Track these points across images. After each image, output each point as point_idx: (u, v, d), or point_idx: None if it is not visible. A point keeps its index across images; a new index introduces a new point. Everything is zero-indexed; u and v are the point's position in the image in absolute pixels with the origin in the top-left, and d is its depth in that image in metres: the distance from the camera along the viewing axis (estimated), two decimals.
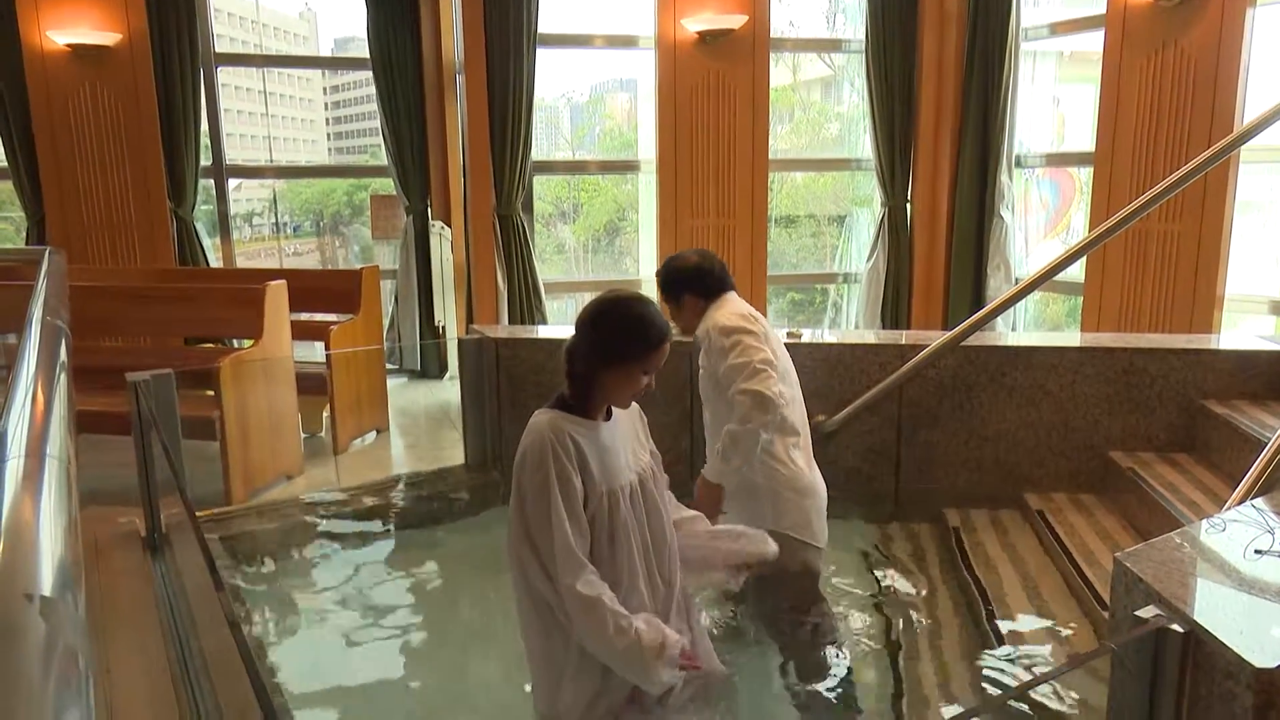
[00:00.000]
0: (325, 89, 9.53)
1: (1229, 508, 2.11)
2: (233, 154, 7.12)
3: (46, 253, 3.02)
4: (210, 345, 5.99)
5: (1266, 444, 2.62)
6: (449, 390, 6.43)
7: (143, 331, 5.76)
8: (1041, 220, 7.14)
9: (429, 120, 6.69)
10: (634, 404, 2.09)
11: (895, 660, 2.93)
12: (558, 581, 1.84)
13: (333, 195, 9.13)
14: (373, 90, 6.72)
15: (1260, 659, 1.42)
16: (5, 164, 6.34)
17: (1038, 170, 6.97)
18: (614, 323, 1.93)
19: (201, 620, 2.93)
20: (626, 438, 2.02)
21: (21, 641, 0.52)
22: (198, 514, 2.89)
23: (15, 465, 0.81)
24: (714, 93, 6.46)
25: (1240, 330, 5.43)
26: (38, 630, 0.53)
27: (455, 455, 4.72)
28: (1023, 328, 6.82)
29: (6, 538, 0.67)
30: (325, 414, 5.18)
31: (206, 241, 6.81)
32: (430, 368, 7.04)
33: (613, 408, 1.99)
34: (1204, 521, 1.96)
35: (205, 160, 6.77)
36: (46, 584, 0.60)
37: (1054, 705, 2.59)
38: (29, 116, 6.19)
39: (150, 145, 6.35)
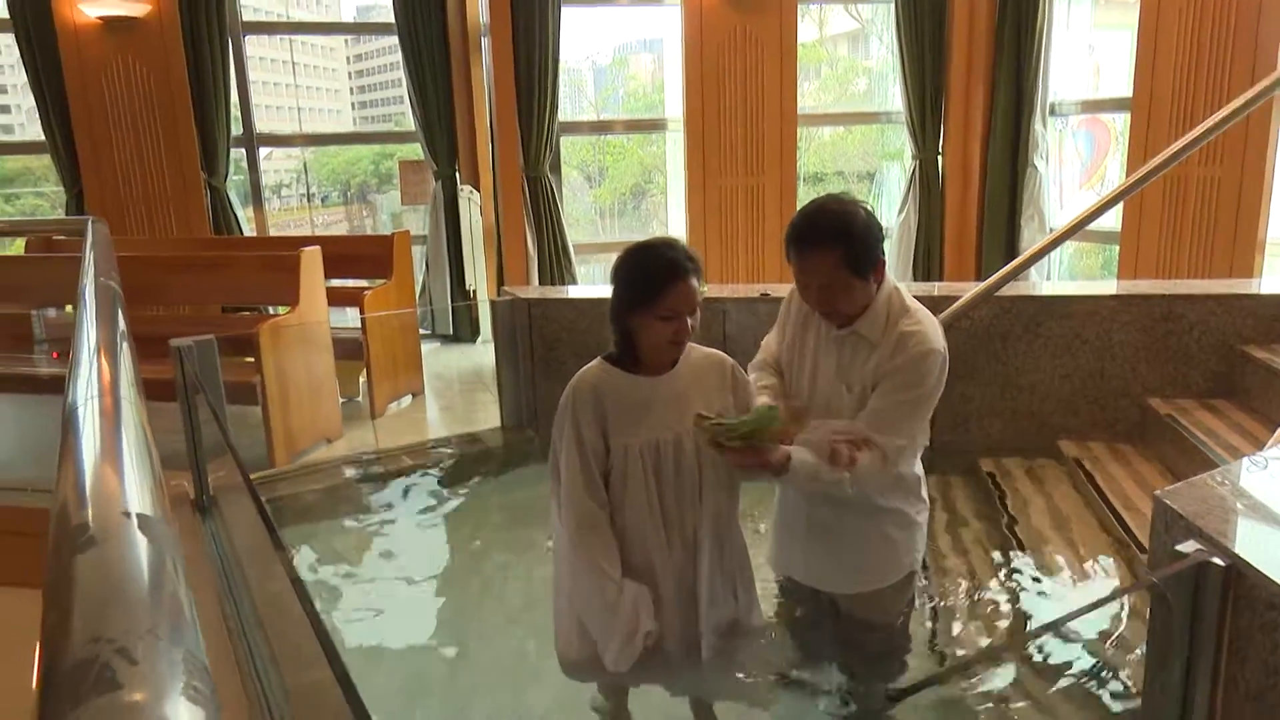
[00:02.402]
0: (348, 58, 9.53)
1: (1270, 446, 2.09)
2: (262, 126, 7.18)
3: (89, 221, 3.09)
4: (247, 313, 6.09)
5: None
6: (482, 354, 6.50)
7: (181, 300, 5.87)
8: (1076, 172, 7.01)
9: (455, 84, 6.69)
10: (725, 361, 2.05)
11: (931, 604, 2.96)
12: (561, 520, 1.96)
13: (359, 164, 9.18)
14: (395, 59, 6.73)
15: None
16: (43, 137, 6.45)
17: (1072, 120, 6.83)
18: (622, 269, 1.93)
19: (253, 578, 3.02)
20: (686, 395, 1.96)
21: (127, 553, 0.56)
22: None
23: (93, 405, 0.85)
24: (740, 47, 6.39)
25: None
26: (140, 544, 0.57)
27: (490, 417, 4.79)
28: (1056, 281, 6.74)
29: (99, 463, 0.71)
30: (361, 378, 5.27)
31: (240, 212, 6.90)
32: (462, 332, 7.11)
33: (680, 359, 1.97)
34: (1245, 459, 1.96)
35: (236, 131, 6.83)
36: (140, 506, 0.64)
37: (1093, 644, 2.61)
38: (64, 89, 6.28)
39: (182, 115, 6.42)
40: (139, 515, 0.61)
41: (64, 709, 0.40)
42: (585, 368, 1.98)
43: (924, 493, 2.19)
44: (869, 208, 2.01)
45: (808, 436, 1.97)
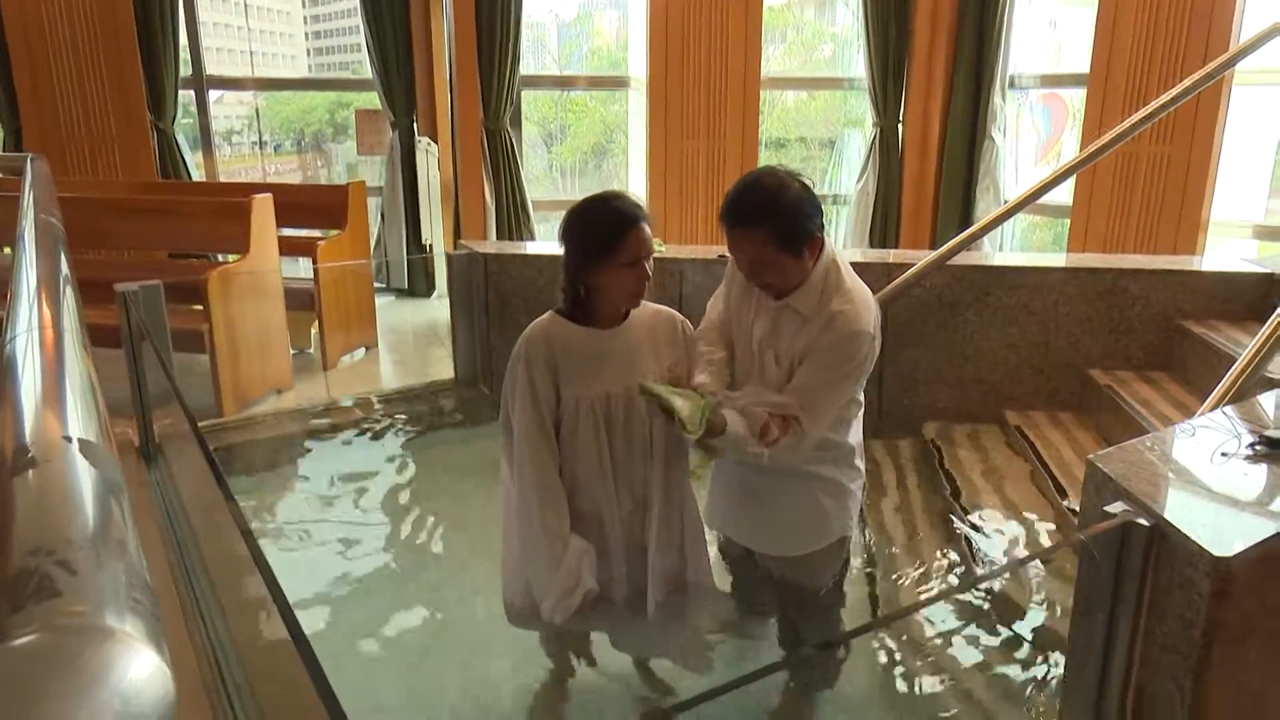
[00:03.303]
0: (303, 1, 9.26)
1: (1199, 415, 2.18)
2: (212, 68, 6.96)
3: (28, 159, 2.98)
4: (195, 260, 5.96)
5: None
6: (436, 308, 6.45)
7: (127, 245, 5.71)
8: (1033, 146, 7.11)
9: (414, 31, 6.54)
10: (675, 318, 2.08)
11: (868, 563, 3.04)
12: (512, 470, 1.99)
13: (314, 113, 8.95)
14: (352, 4, 6.54)
15: (1219, 549, 1.49)
16: None
17: (1032, 95, 6.91)
18: (576, 224, 1.94)
19: (199, 526, 3.00)
20: (639, 349, 1.99)
21: (68, 474, 0.56)
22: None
23: (34, 337, 0.83)
24: (706, 8, 6.34)
25: (1222, 253, 5.49)
26: (80, 465, 0.57)
27: (443, 372, 4.77)
28: (1008, 252, 6.86)
29: (40, 392, 0.70)
30: (314, 330, 5.20)
31: (189, 157, 6.70)
32: (418, 286, 7.03)
33: (631, 315, 2.00)
34: (1175, 426, 2.04)
35: (184, 72, 6.61)
36: (81, 432, 0.64)
37: (1023, 599, 2.71)
38: (1, 19, 6.01)
39: (128, 52, 6.19)
40: (80, 440, 0.61)
41: (2, 615, 0.41)
42: (537, 320, 2.00)
43: (859, 461, 2.19)
44: (806, 181, 1.96)
45: (740, 402, 1.98)
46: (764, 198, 1.92)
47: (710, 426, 1.86)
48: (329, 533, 3.45)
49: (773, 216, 1.90)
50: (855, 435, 2.17)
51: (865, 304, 2.00)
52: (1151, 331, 3.92)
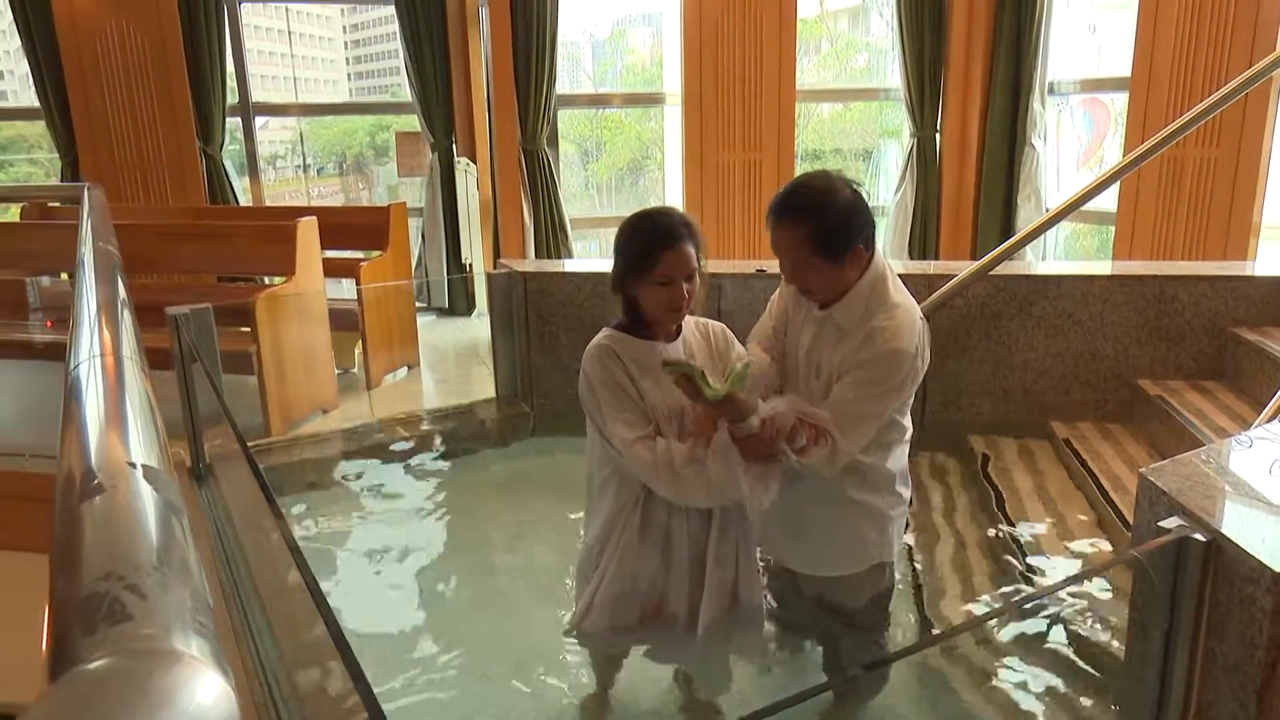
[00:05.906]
0: (345, 27, 9.47)
1: (1256, 426, 2.12)
2: (258, 95, 7.14)
3: (85, 188, 3.08)
4: (243, 282, 6.09)
5: None
6: (478, 327, 6.51)
7: (177, 269, 5.86)
8: (1075, 153, 7.01)
9: (452, 55, 6.65)
10: (722, 330, 2.09)
11: (918, 581, 2.99)
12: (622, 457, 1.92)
13: (355, 136, 9.13)
14: (391, 29, 6.67)
15: None
16: (37, 103, 6.40)
17: (1072, 100, 6.82)
18: (621, 237, 1.95)
19: (249, 545, 3.05)
20: (695, 360, 2.00)
21: (133, 499, 0.58)
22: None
23: (96, 364, 0.86)
24: (740, 22, 6.35)
25: (1275, 257, 5.35)
26: (144, 491, 0.59)
27: (485, 390, 4.80)
28: (1052, 261, 6.75)
29: (104, 418, 0.73)
30: (357, 350, 5.27)
31: (236, 182, 6.87)
32: (458, 305, 7.11)
33: (683, 329, 2.01)
34: (1230, 439, 1.98)
35: (231, 99, 6.79)
36: (144, 458, 0.66)
37: (1075, 618, 2.65)
38: (58, 55, 6.23)
39: (177, 82, 6.38)
40: (144, 466, 0.63)
41: (77, 638, 0.42)
42: (596, 337, 1.99)
43: (900, 486, 2.13)
44: (859, 188, 1.93)
45: (778, 406, 1.96)
46: (810, 198, 1.90)
47: (735, 399, 1.80)
48: (374, 550, 3.49)
49: (816, 217, 1.88)
50: (898, 461, 2.12)
51: (909, 321, 1.93)
52: (1203, 339, 3.84)
